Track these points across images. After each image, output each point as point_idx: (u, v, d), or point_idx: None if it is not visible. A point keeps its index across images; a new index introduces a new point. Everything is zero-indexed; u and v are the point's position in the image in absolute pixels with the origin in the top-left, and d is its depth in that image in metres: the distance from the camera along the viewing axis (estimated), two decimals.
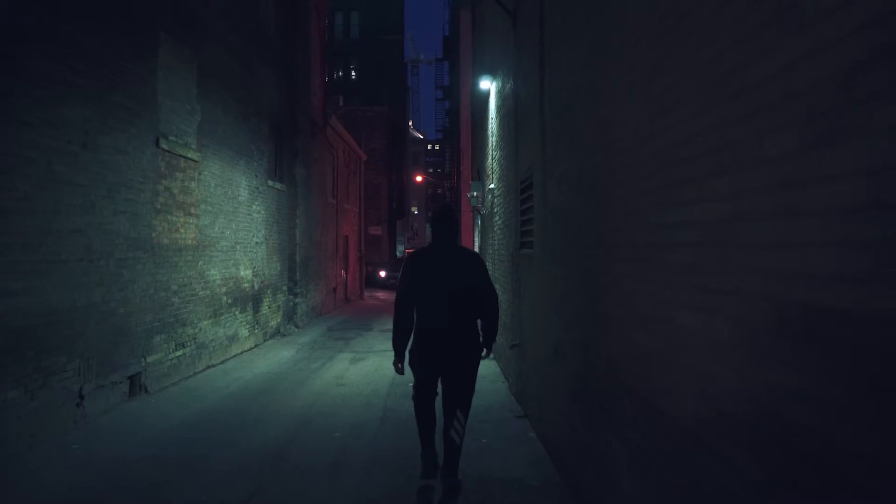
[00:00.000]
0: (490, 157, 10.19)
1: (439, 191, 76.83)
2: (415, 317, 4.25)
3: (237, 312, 10.23)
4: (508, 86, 7.74)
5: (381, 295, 26.86)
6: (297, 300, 13.77)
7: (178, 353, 7.91)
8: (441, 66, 58.88)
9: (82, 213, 5.70)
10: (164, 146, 7.41)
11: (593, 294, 3.52)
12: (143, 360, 6.94)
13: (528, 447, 5.24)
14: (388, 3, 52.33)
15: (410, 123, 70.88)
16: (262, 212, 11.73)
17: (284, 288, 13.33)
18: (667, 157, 2.31)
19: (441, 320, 4.14)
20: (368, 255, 31.41)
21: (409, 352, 4.32)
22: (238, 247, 10.33)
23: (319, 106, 17.31)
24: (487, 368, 8.86)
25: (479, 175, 12.95)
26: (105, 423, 5.93)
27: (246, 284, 10.74)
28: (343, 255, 21.23)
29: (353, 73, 52.24)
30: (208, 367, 8.96)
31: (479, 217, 12.94)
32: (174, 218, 7.80)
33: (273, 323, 12.46)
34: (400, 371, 4.39)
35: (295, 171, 13.86)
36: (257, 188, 11.38)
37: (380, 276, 32.02)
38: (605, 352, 3.23)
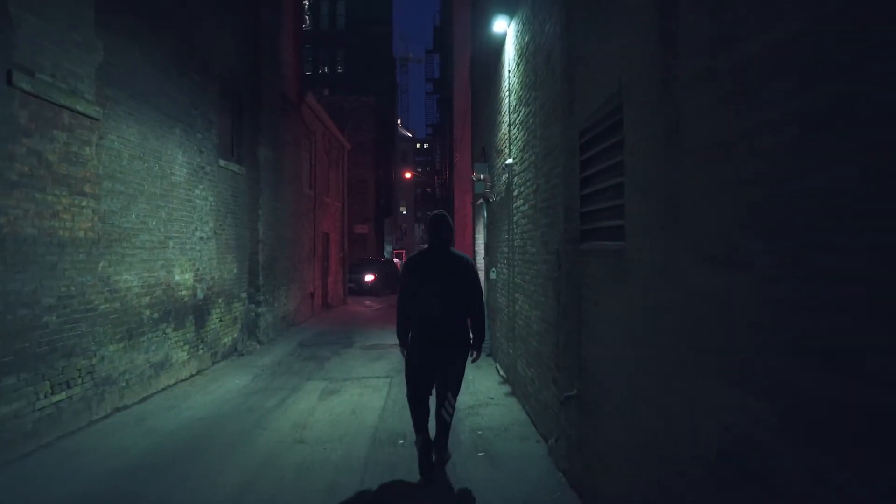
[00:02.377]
0: (505, 125, 7.72)
1: (428, 190, 74.74)
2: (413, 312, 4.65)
3: (168, 330, 7.67)
4: (545, 9, 5.29)
5: (367, 301, 24.28)
6: (259, 310, 11.20)
7: (57, 398, 5.35)
8: (431, 60, 56.31)
9: None
10: (25, 86, 4.85)
11: None
12: None
13: None
14: None
15: (399, 122, 68.71)
16: (211, 198, 9.18)
17: (243, 295, 10.76)
18: None
19: (435, 315, 4.54)
20: (354, 255, 28.83)
21: (409, 342, 4.70)
22: (171, 242, 7.77)
23: (293, 80, 14.76)
24: (508, 415, 6.36)
25: (484, 154, 10.48)
26: None
27: (184, 292, 8.18)
28: (322, 254, 18.67)
29: (340, 66, 49.81)
30: (117, 409, 6.39)
31: (484, 208, 10.47)
32: (49, 197, 5.24)
33: (227, 340, 9.90)
34: (404, 354, 4.78)
35: (258, 152, 11.29)
36: (202, 167, 8.82)
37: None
38: None
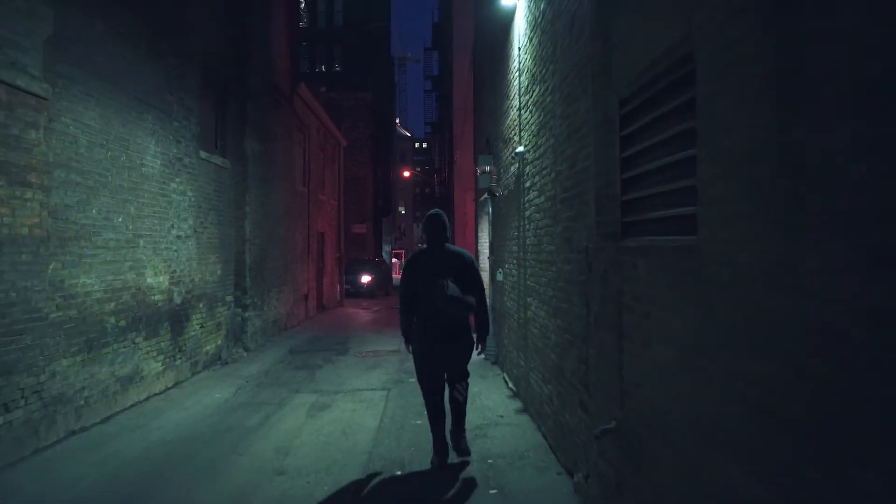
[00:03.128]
0: (515, 110, 6.94)
1: (427, 190, 74.09)
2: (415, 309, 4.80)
3: (139, 339, 6.87)
4: None
5: (365, 303, 23.46)
6: (246, 314, 10.40)
7: None
8: (430, 57, 55.44)
9: None
10: None
11: None
12: None
13: None
14: None
15: (398, 121, 68.03)
16: (190, 193, 8.37)
17: (228, 298, 9.96)
18: None
19: (439, 312, 4.58)
20: (352, 255, 28.01)
21: (412, 341, 4.85)
22: (142, 241, 6.97)
23: (285, 70, 13.96)
24: (522, 438, 5.55)
25: (489, 146, 9.68)
26: None
27: (158, 297, 7.38)
28: (317, 254, 17.87)
29: (337, 64, 49.01)
30: (72, 432, 5.58)
31: (489, 204, 9.68)
32: None
33: (209, 347, 9.10)
34: (408, 349, 4.91)
35: (244, 144, 10.49)
36: (179, 159, 8.01)
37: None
38: None
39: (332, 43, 48.71)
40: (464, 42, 22.08)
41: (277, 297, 12.87)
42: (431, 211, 5.01)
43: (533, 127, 5.87)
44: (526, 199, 6.25)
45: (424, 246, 4.92)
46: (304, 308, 15.77)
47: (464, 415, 4.89)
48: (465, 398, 4.86)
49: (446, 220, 4.90)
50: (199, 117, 8.72)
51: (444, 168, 36.04)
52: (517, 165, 6.79)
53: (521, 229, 6.57)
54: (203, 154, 8.80)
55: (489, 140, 9.77)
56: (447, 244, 4.88)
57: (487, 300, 8.26)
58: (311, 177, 16.95)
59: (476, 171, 8.73)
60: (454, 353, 4.77)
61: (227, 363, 9.53)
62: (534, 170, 5.84)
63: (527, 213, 6.23)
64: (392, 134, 51.41)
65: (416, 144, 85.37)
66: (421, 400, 5.01)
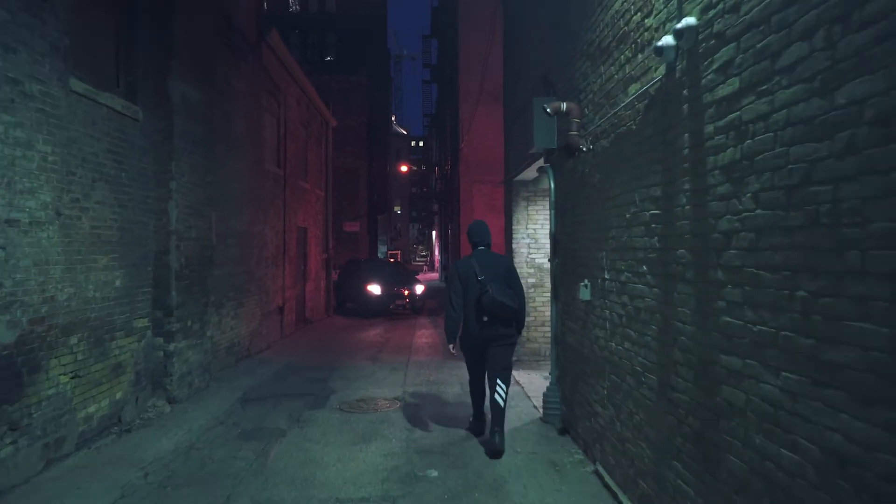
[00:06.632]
0: None
1: (425, 189, 70.84)
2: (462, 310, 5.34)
3: None
4: None
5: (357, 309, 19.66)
6: (173, 346, 6.76)
7: None
8: (428, 46, 51.80)
9: None
10: None
11: None
12: None
13: None
14: None
15: (394, 119, 64.87)
16: (45, 147, 4.77)
17: (140, 324, 6.34)
18: None
19: (487, 310, 5.15)
20: (344, 256, 24.36)
21: (460, 337, 5.41)
22: None
23: (249, 7, 10.36)
24: None
25: (548, 85, 6.12)
26: None
27: None
28: (298, 255, 14.25)
29: (330, 52, 45.46)
30: None
31: (549, 176, 6.11)
32: None
33: (94, 408, 5.49)
34: (454, 352, 5.48)
35: (170, 86, 6.85)
36: (15, 83, 4.39)
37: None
38: None
39: (324, 30, 45.21)
40: (476, 8, 18.56)
41: (234, 315, 9.26)
42: (476, 220, 5.70)
43: None
44: (736, 116, 2.67)
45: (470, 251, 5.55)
46: (277, 324, 12.14)
47: (503, 418, 5.21)
48: (505, 401, 5.22)
49: (488, 228, 5.60)
50: (70, 24, 5.12)
51: (447, 161, 32.47)
52: (662, 71, 3.23)
53: (682, 203, 3.00)
54: (78, 86, 5.19)
55: (548, 77, 6.21)
56: (490, 249, 5.54)
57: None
58: (289, 157, 13.32)
59: (543, 112, 5.15)
60: (498, 344, 5.24)
61: (130, 430, 5.92)
62: (775, 42, 2.27)
63: (723, 160, 2.66)
64: (388, 126, 47.85)
65: (412, 143, 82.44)
66: None
